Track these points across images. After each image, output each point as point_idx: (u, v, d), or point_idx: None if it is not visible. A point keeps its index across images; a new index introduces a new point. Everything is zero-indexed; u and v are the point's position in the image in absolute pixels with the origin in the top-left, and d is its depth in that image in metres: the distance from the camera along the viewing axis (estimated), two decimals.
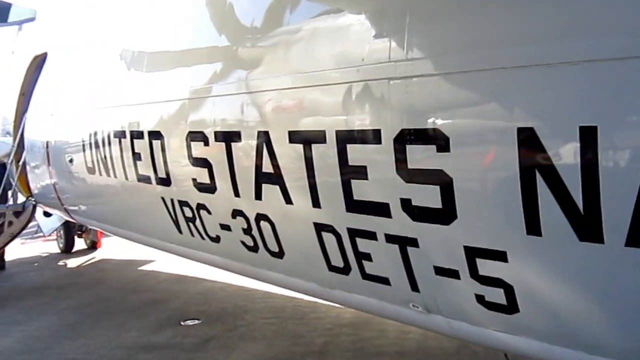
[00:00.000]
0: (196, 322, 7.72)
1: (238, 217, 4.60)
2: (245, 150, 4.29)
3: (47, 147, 8.48)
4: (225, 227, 4.86)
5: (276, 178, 4.03)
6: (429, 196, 3.08)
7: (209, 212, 4.99)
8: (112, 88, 6.43)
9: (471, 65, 2.82)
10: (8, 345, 7.18)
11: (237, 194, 4.48)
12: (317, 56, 3.72)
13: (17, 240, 14.50)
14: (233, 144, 4.37)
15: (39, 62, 9.23)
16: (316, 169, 3.71)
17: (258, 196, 4.26)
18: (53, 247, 13.54)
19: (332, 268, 3.98)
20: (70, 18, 8.65)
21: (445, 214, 3.05)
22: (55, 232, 13.25)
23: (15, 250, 13.50)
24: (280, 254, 4.42)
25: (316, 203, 3.79)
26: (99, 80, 6.90)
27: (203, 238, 5.27)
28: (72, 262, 12.19)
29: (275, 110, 4.01)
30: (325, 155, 3.64)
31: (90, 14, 7.84)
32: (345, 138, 3.45)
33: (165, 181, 5.40)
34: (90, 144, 6.77)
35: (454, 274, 3.20)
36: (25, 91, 9.53)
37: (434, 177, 3.01)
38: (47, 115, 8.43)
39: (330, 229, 3.80)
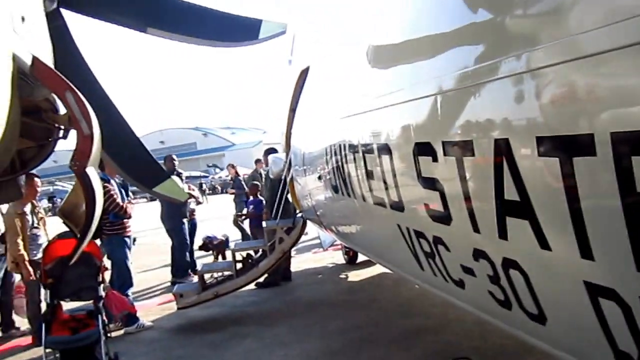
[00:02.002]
0: None
1: (481, 260, 3.29)
2: (480, 167, 2.99)
3: (303, 162, 8.13)
4: (468, 271, 3.58)
5: (524, 209, 2.66)
6: None
7: (447, 248, 3.76)
8: (345, 95, 5.63)
9: None
10: None
11: (476, 229, 3.18)
12: (572, 14, 2.28)
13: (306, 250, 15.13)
14: (465, 159, 3.10)
15: (304, 76, 8.97)
16: (582, 198, 2.26)
17: (502, 234, 2.91)
18: (341, 256, 13.32)
19: (620, 355, 2.45)
20: (323, 25, 8.17)
21: None
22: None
23: (308, 260, 13.88)
24: (540, 318, 2.99)
25: (586, 251, 2.33)
26: (335, 88, 6.19)
27: (446, 280, 4.05)
28: (353, 276, 11.77)
29: (515, 106, 2.63)
30: (594, 174, 2.19)
31: (339, 18, 7.18)
32: (628, 146, 1.97)
33: (399, 206, 4.32)
34: (332, 160, 6.07)
35: None
36: (293, 107, 9.37)
37: None
38: (304, 130, 8.07)
39: (612, 294, 2.31)
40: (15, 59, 3.50)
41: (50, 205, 44.09)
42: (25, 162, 4.77)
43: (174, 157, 13.05)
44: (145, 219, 18.31)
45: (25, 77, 3.64)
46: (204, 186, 55.11)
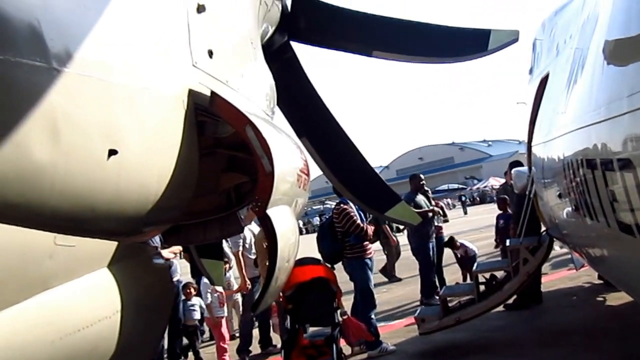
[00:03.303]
0: None
1: None
2: None
3: (544, 176, 7.34)
4: None
5: None
6: None
7: None
8: (584, 103, 4.87)
9: None
10: None
11: None
12: None
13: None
14: None
15: (543, 85, 8.20)
16: None
17: None
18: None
19: None
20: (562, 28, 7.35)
21: None
22: None
23: (562, 278, 12.75)
24: None
25: None
26: (574, 95, 5.42)
27: None
28: (612, 299, 10.14)
29: None
30: None
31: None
32: None
33: None
34: (572, 176, 5.32)
35: None
36: (533, 118, 8.63)
37: None
38: (544, 142, 7.30)
39: None
40: (191, 95, 3.50)
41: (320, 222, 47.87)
42: (242, 196, 4.90)
43: (421, 175, 12.94)
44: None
45: (208, 113, 3.66)
46: (464, 198, 54.73)
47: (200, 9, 3.89)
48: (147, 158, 3.03)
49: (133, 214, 3.08)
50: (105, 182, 2.76)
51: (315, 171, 7.42)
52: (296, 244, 4.23)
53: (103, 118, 2.71)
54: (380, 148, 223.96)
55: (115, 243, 3.02)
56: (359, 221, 8.89)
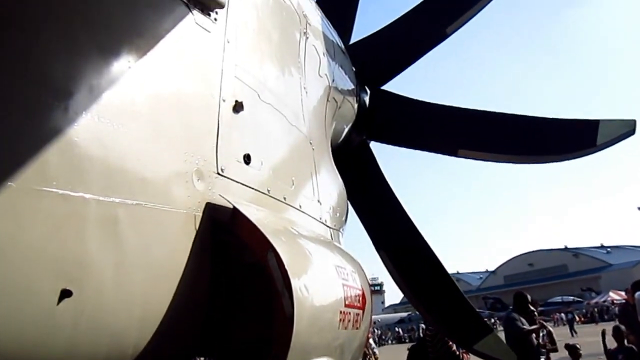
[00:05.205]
0: None
1: None
2: None
3: None
4: None
5: None
6: None
7: None
8: None
9: None
10: None
11: None
12: None
13: None
14: None
15: None
16: None
17: None
18: None
19: None
20: None
21: None
22: None
23: None
24: None
25: None
26: None
27: None
28: None
29: None
30: None
31: None
32: None
33: None
34: None
35: None
36: None
37: None
38: None
39: None
40: (208, 209, 2.81)
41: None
42: None
43: (527, 296, 11.23)
44: None
45: (229, 232, 2.95)
46: (572, 315, 47.33)
47: (238, 107, 3.30)
48: (121, 296, 2.28)
49: None
50: (54, 333, 2.04)
51: None
52: None
53: (52, 247, 2.02)
54: (486, 251, 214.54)
55: None
56: (454, 347, 7.76)
